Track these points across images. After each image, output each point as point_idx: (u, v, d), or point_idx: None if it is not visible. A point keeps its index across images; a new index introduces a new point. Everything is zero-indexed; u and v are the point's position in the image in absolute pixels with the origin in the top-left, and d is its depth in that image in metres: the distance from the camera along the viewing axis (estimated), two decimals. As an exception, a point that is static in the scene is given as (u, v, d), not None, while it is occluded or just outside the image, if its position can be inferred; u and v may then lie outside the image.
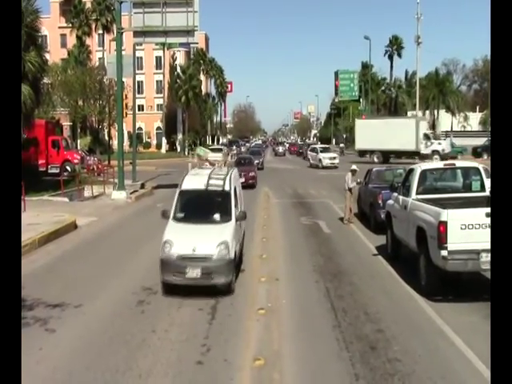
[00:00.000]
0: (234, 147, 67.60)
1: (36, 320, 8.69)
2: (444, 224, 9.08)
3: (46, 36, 68.39)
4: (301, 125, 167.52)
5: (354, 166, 18.42)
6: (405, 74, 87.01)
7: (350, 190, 17.91)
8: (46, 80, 35.75)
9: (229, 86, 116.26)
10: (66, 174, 32.67)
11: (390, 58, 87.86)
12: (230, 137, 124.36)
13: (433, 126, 71.61)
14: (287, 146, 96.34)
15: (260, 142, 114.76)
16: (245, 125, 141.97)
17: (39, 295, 9.94)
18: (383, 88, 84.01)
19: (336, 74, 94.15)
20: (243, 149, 71.99)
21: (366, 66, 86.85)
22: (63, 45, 78.51)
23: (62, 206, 22.02)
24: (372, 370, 6.66)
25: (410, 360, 6.95)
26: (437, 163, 13.79)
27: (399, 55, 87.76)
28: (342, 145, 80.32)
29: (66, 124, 57.22)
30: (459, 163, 13.46)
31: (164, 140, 77.64)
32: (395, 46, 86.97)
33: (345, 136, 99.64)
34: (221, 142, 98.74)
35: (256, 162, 36.58)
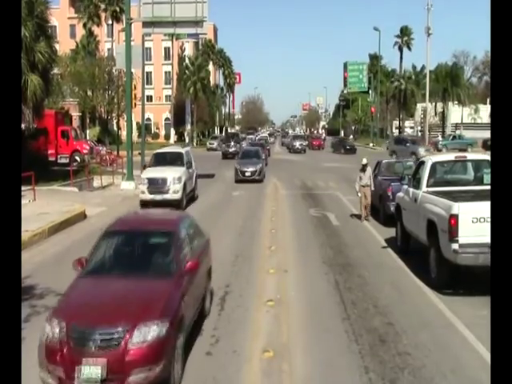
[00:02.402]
0: (232, 143, 50.44)
1: (46, 309, 8.67)
2: (455, 217, 9.01)
3: (55, 26, 68.28)
4: (309, 116, 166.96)
5: (363, 161, 16.98)
6: (412, 66, 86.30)
7: (363, 186, 16.55)
8: (55, 70, 35.80)
9: (237, 77, 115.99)
10: (75, 164, 32.75)
11: (400, 49, 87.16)
12: (236, 128, 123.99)
13: (442, 119, 71.23)
14: (292, 139, 68.06)
15: (266, 134, 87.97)
16: (253, 116, 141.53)
17: (49, 284, 9.97)
18: (392, 80, 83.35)
19: (345, 65, 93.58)
20: (244, 144, 53.15)
21: (375, 58, 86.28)
22: (72, 35, 78.58)
23: (72, 195, 22.11)
24: (382, 363, 6.63)
25: (420, 354, 6.91)
26: (448, 155, 13.65)
27: (409, 47, 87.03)
28: (351, 137, 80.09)
29: (76, 114, 57.21)
30: (470, 156, 13.35)
31: (172, 131, 77.60)
32: (405, 38, 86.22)
33: (353, 127, 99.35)
34: (214, 135, 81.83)
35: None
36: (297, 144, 60.01)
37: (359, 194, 16.66)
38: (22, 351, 7.07)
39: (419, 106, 76.30)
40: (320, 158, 48.81)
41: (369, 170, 16.80)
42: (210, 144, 66.15)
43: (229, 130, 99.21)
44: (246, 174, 27.60)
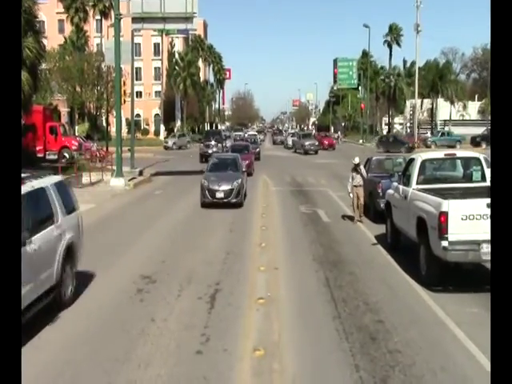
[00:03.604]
0: (213, 142, 41.78)
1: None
2: (445, 214, 9.04)
3: (43, 22, 67.67)
4: (299, 112, 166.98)
5: (355, 160, 16.24)
6: (403, 62, 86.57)
7: (356, 186, 15.96)
8: (43, 66, 35.55)
9: (227, 73, 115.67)
10: (63, 160, 32.56)
11: (389, 46, 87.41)
12: (227, 124, 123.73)
13: (431, 115, 71.51)
14: (301, 138, 55.78)
15: (254, 132, 78.84)
16: (243, 112, 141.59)
17: (38, 283, 9.88)
18: (382, 77, 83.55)
19: (335, 61, 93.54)
20: (229, 143, 44.96)
21: (365, 54, 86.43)
22: (61, 30, 77.91)
23: (60, 192, 21.91)
24: (372, 361, 6.63)
25: (411, 351, 6.92)
26: (437, 153, 13.71)
27: (398, 44, 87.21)
28: (338, 133, 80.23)
29: (64, 110, 56.96)
30: (460, 153, 13.39)
31: (162, 127, 77.38)
32: (394, 35, 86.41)
33: (343, 124, 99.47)
34: (175, 132, 71.69)
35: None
36: (307, 144, 50.96)
37: (351, 195, 16.01)
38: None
39: (408, 102, 76.55)
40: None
41: (362, 169, 16.13)
42: (165, 143, 59.22)
43: (210, 127, 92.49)
44: (218, 194, 18.40)
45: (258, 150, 41.15)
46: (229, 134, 66.20)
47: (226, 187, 18.50)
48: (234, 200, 18.46)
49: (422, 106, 70.29)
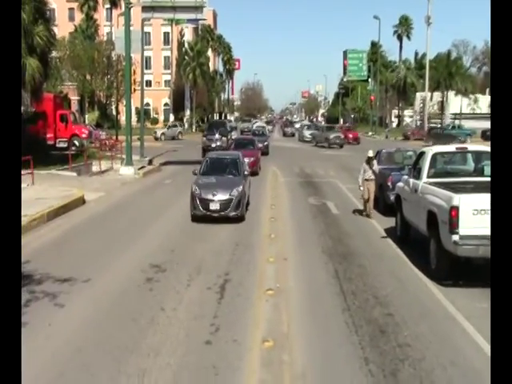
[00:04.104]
0: (217, 136, 36.21)
1: (45, 294, 8.71)
2: (456, 209, 8.99)
3: (54, 9, 67.85)
4: (308, 104, 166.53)
5: (369, 152, 15.86)
6: (414, 54, 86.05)
7: (367, 180, 15.54)
8: (54, 54, 35.58)
9: (236, 63, 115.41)
10: (73, 148, 32.65)
11: (399, 38, 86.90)
12: (236, 115, 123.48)
13: (441, 108, 71.03)
14: (325, 131, 52.42)
15: (262, 123, 69.59)
16: (252, 103, 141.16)
17: (48, 270, 9.96)
18: (392, 69, 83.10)
19: (345, 53, 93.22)
20: (235, 135, 42.77)
21: (375, 46, 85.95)
22: (71, 18, 77.99)
23: (70, 180, 22.05)
24: (382, 355, 6.62)
25: (421, 345, 6.90)
26: (448, 146, 13.63)
27: (408, 36, 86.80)
28: (346, 125, 79.66)
29: (74, 98, 57.03)
30: (471, 147, 13.29)
31: (171, 116, 77.37)
32: (405, 27, 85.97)
33: (352, 116, 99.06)
34: (172, 122, 67.22)
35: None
36: (332, 137, 47.73)
37: (361, 189, 15.66)
38: (23, 335, 7.10)
39: (418, 95, 76.10)
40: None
41: (375, 163, 15.75)
42: (154, 133, 55.26)
43: (219, 118, 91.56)
44: (212, 205, 14.53)
45: (266, 143, 37.61)
46: (235, 125, 61.44)
47: (222, 197, 14.49)
48: (232, 213, 14.48)
49: (432, 99, 69.81)
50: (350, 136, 53.12)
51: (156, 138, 54.38)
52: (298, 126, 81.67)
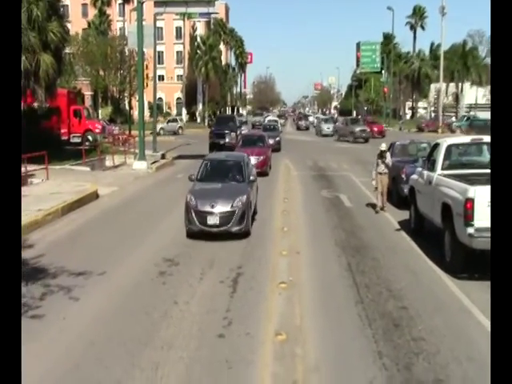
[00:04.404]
0: (226, 131, 33.70)
1: (60, 288, 8.77)
2: (471, 201, 8.88)
3: (67, 6, 68.10)
4: (321, 96, 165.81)
5: (382, 146, 15.59)
6: (430, 45, 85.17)
7: (380, 173, 15.23)
8: (67, 50, 35.76)
9: (249, 56, 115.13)
10: (87, 143, 32.82)
11: (413, 29, 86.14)
12: (248, 108, 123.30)
13: (456, 99, 70.42)
14: (349, 123, 48.19)
15: (274, 117, 66.13)
16: (265, 96, 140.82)
17: (62, 263, 10.03)
18: (405, 60, 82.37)
19: (358, 45, 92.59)
20: (246, 130, 41.00)
21: (388, 37, 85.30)
22: (84, 14, 78.34)
23: (84, 175, 22.18)
24: (396, 348, 6.58)
25: (435, 339, 6.84)
26: (463, 138, 13.47)
27: (422, 27, 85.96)
28: (359, 117, 78.98)
29: (88, 94, 57.33)
30: (486, 138, 13.12)
31: (184, 110, 77.51)
32: (418, 17, 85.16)
33: (366, 108, 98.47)
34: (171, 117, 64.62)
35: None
36: (357, 131, 44.82)
37: (374, 183, 15.43)
38: (38, 329, 7.17)
39: (433, 86, 75.45)
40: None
41: (388, 156, 15.44)
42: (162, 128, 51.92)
43: (232, 111, 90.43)
44: (210, 219, 12.04)
45: (278, 138, 34.89)
46: (245, 120, 57.79)
47: (223, 208, 12.01)
48: (235, 228, 12.00)
49: (447, 90, 69.15)
50: (375, 129, 49.21)
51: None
52: (311, 119, 79.87)
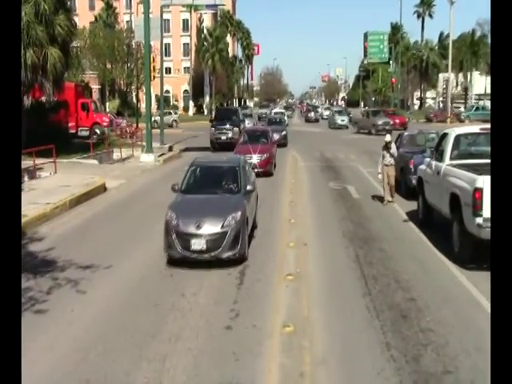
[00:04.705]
0: (228, 126, 31.15)
1: (68, 281, 8.81)
2: (480, 191, 8.80)
3: (74, -1, 68.12)
4: (328, 88, 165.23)
5: (386, 137, 15.36)
6: (439, 35, 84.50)
7: (386, 165, 14.99)
8: (75, 43, 35.75)
9: (256, 48, 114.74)
10: (95, 136, 32.87)
11: (421, 18, 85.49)
12: (255, 100, 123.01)
13: (465, 89, 69.92)
14: (370, 115, 45.67)
15: (281, 109, 66.29)
16: (272, 87, 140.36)
17: (70, 256, 10.06)
18: (414, 50, 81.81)
19: (365, 35, 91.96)
20: (250, 124, 39.70)
21: (396, 27, 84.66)
22: (91, 8, 78.34)
23: (92, 168, 22.22)
24: (404, 340, 6.54)
25: (444, 330, 6.80)
26: (472, 127, 13.33)
27: (430, 15, 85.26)
28: (366, 108, 78.26)
29: (95, 87, 57.31)
30: (495, 128, 12.99)
31: (191, 103, 77.48)
32: (426, 6, 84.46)
33: (373, 99, 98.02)
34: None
35: None
36: (380, 123, 42.25)
37: (380, 176, 15.21)
38: (47, 322, 7.20)
39: (441, 76, 74.91)
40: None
41: (393, 147, 15.20)
42: None
43: (239, 103, 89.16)
44: (195, 243, 9.48)
45: (283, 133, 32.54)
46: (250, 112, 54.50)
47: (211, 229, 9.55)
48: (226, 254, 9.51)
49: (457, 80, 68.59)
50: (397, 121, 46.55)
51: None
52: (322, 111, 77.26)
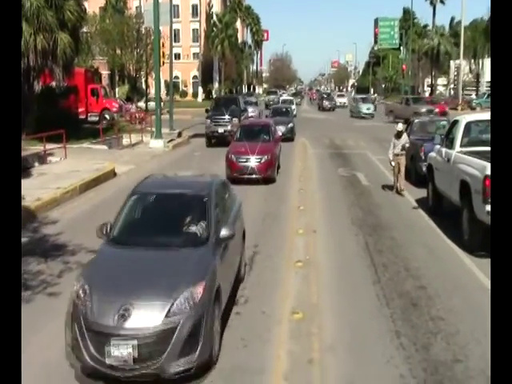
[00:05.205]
0: (227, 117, 26.65)
1: (79, 265, 8.79)
2: (490, 178, 8.75)
3: (83, -17, 67.80)
4: (338, 74, 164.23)
5: (398, 126, 14.91)
6: (450, 20, 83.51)
7: (397, 155, 14.54)
8: (84, 29, 35.67)
9: (265, 34, 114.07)
10: (104, 122, 32.89)
11: (433, 4, 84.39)
12: (264, 86, 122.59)
13: (477, 76, 69.19)
14: (409, 103, 41.35)
15: (287, 96, 60.26)
16: (281, 74, 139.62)
17: (80, 241, 10.08)
18: (425, 37, 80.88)
19: (376, 21, 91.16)
20: (254, 112, 36.88)
21: (407, 13, 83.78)
22: (100, -8, 77.85)
23: (102, 153, 22.27)
24: (414, 328, 6.53)
25: (454, 319, 6.78)
26: (483, 114, 13.20)
27: (442, 1, 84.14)
28: (375, 95, 77.19)
29: (105, 73, 57.27)
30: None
31: (200, 89, 77.22)
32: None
33: (383, 86, 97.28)
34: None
35: None
36: (423, 111, 37.02)
37: (393, 164, 14.70)
38: (56, 306, 7.24)
39: (453, 63, 74.15)
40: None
41: (404, 136, 14.80)
42: None
43: (248, 89, 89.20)
44: (115, 351, 5.15)
45: (290, 125, 28.22)
46: (255, 100, 47.66)
47: (146, 321, 5.30)
48: (174, 366, 5.29)
49: (470, 67, 67.81)
50: (437, 110, 40.83)
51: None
52: (341, 99, 69.53)
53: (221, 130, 25.88)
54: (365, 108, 47.86)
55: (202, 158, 22.70)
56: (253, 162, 16.11)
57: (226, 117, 26.50)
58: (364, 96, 56.47)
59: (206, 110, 28.82)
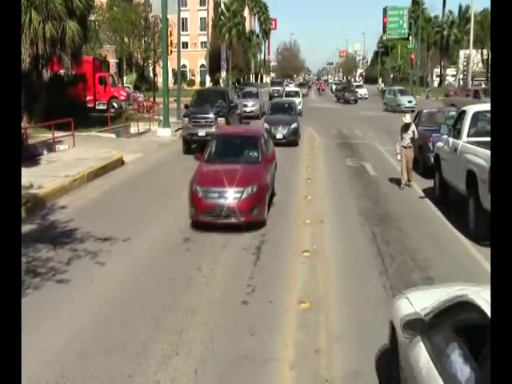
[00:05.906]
0: (211, 115, 20.41)
1: (87, 253, 8.93)
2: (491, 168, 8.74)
3: (91, -29, 67.59)
4: (346, 63, 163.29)
5: (406, 118, 14.40)
6: (458, 8, 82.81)
7: (405, 147, 14.17)
8: (93, 17, 35.63)
9: (273, 23, 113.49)
10: (112, 110, 32.93)
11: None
12: (272, 75, 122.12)
13: (487, 66, 68.67)
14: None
15: (293, 88, 52.88)
16: (289, 63, 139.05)
17: (89, 228, 10.18)
18: (434, 26, 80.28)
19: (384, 10, 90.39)
20: (255, 105, 33.74)
21: (416, 2, 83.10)
22: (108, -20, 77.60)
23: (109, 141, 22.35)
24: (420, 318, 6.56)
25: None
26: (490, 105, 13.16)
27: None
28: (382, 84, 76.38)
29: (113, 61, 57.25)
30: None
31: (208, 78, 77.13)
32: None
33: (392, 75, 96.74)
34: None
35: None
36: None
37: (399, 157, 14.43)
38: (65, 292, 7.33)
39: (462, 52, 73.61)
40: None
41: (413, 127, 14.40)
42: None
43: (255, 79, 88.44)
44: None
45: (293, 126, 22.30)
46: (256, 91, 39.68)
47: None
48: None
49: (482, 57, 67.22)
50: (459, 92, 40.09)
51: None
52: (362, 90, 64.10)
53: (202, 133, 19.77)
54: (406, 101, 42.91)
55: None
56: (230, 197, 10.31)
57: (210, 115, 20.60)
58: (401, 88, 50.40)
59: (186, 106, 23.23)
